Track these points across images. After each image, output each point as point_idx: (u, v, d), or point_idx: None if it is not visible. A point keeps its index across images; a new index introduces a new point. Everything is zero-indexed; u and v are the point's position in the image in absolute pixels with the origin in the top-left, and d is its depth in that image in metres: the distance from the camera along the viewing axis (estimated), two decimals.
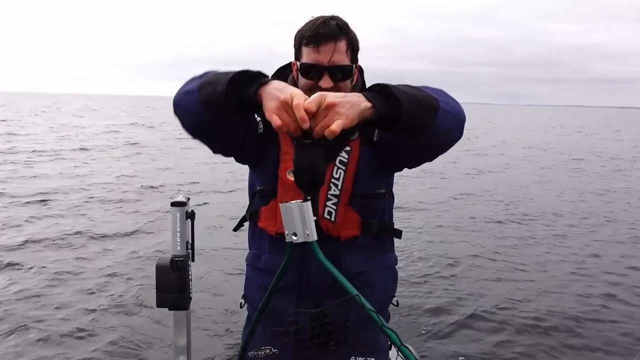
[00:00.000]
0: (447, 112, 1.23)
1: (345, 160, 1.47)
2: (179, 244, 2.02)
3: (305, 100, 1.05)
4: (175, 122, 1.36)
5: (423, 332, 4.11)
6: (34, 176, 10.99)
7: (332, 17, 1.42)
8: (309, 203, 1.09)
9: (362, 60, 1.52)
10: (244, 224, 1.79)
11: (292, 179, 1.32)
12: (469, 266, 5.79)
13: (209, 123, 1.28)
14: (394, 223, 1.64)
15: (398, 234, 1.63)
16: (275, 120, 1.07)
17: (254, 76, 1.19)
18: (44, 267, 5.41)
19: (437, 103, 1.20)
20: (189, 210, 2.04)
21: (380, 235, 1.57)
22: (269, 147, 1.51)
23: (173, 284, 2.02)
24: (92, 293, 4.81)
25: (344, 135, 1.42)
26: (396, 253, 1.72)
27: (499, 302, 4.71)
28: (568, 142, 25.08)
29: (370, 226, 1.52)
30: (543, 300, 4.79)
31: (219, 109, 1.20)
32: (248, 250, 1.69)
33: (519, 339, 4.02)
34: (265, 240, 1.57)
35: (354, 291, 1.02)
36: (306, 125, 1.05)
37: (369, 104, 1.12)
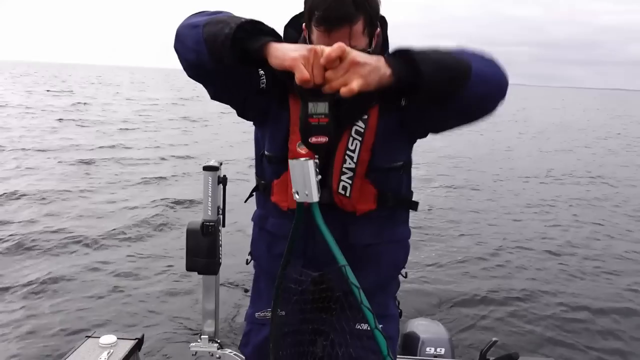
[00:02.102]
0: (480, 77, 1.12)
1: (362, 130, 1.35)
2: (209, 208, 2.01)
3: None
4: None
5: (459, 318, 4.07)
6: None
7: None
8: (311, 162, 1.02)
9: (395, 39, 1.38)
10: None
11: (303, 152, 1.24)
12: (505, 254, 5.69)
13: (208, 65, 1.18)
14: (412, 193, 1.53)
15: (414, 206, 1.52)
16: (301, 71, 0.99)
17: (265, 32, 1.11)
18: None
19: (467, 69, 1.10)
20: (221, 175, 2.02)
21: (395, 207, 1.47)
22: (275, 109, 1.40)
23: (203, 248, 2.02)
24: (122, 255, 4.92)
25: (362, 102, 1.31)
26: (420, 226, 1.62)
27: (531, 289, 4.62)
28: None
29: (386, 199, 1.42)
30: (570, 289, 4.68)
31: (221, 53, 1.11)
32: (255, 209, 1.59)
33: (547, 325, 3.94)
34: (272, 204, 1.47)
35: (343, 261, 0.97)
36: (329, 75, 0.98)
37: (388, 71, 1.04)
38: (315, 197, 1.02)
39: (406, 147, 1.45)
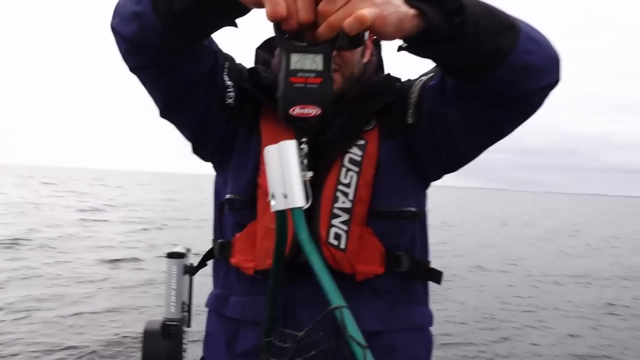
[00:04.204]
0: (532, 40, 0.83)
1: (359, 159, 1.03)
2: (173, 304, 1.68)
3: None
4: None
5: None
6: None
7: None
8: (292, 143, 0.69)
9: None
10: (208, 262, 1.31)
11: None
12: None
13: (154, 34, 0.86)
14: (429, 261, 1.16)
15: (436, 276, 1.15)
16: (274, 3, 0.66)
17: None
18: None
19: (514, 23, 0.82)
20: (189, 264, 1.73)
21: (410, 276, 1.10)
22: (242, 137, 1.10)
23: (163, 354, 1.67)
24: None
25: (355, 123, 1.05)
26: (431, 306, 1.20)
27: None
28: None
29: (398, 260, 1.06)
30: None
31: (174, 5, 0.80)
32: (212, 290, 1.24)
33: None
34: (235, 276, 1.13)
35: (339, 301, 0.63)
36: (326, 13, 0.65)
37: (411, 11, 0.73)
38: (298, 200, 0.68)
39: (417, 189, 1.12)
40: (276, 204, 0.69)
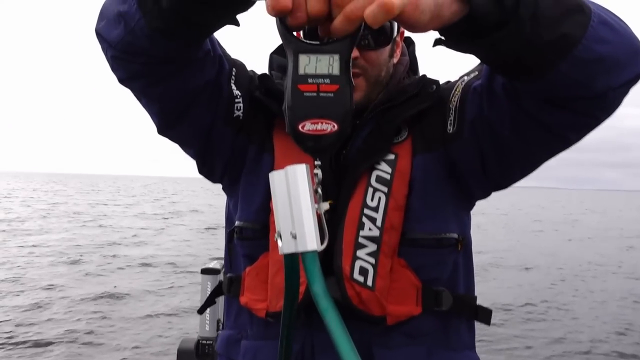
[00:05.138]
0: (607, 25, 0.66)
1: (388, 177, 0.88)
2: (207, 322, 1.63)
3: None
4: None
5: None
6: None
7: None
8: (302, 169, 0.55)
9: None
10: (217, 299, 1.20)
11: None
12: None
13: (140, 38, 0.72)
14: (475, 296, 0.99)
15: (485, 315, 0.97)
16: None
17: None
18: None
19: (584, 3, 0.65)
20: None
21: (452, 316, 0.94)
22: (253, 154, 0.96)
23: None
24: None
25: (383, 134, 0.90)
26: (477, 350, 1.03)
27: None
28: None
29: (438, 297, 0.90)
30: None
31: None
32: (222, 330, 1.10)
33: None
34: (247, 316, 0.98)
35: None
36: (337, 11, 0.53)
37: None
38: (310, 242, 0.54)
39: (459, 211, 0.95)
40: (283, 246, 0.55)
